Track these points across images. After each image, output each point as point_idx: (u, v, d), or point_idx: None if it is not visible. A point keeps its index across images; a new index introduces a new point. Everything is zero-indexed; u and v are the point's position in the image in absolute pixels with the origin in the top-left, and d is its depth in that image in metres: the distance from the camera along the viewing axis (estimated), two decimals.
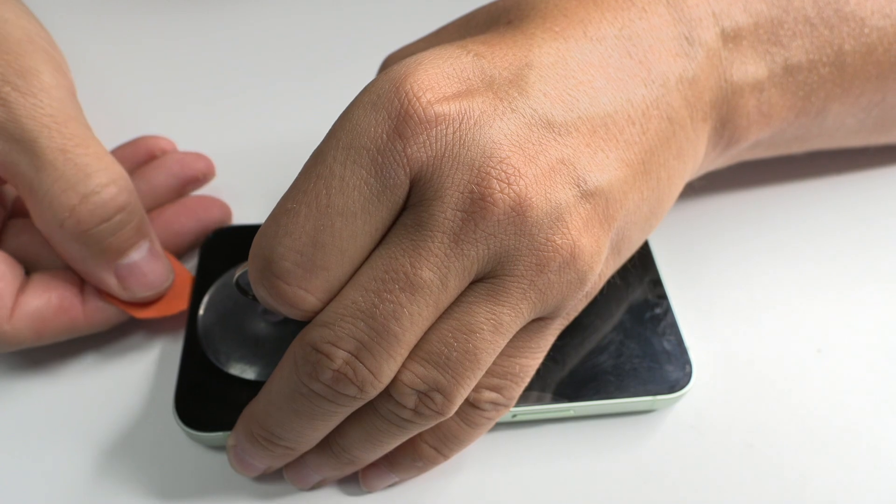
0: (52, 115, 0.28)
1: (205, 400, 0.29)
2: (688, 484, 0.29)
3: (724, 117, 0.29)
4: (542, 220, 0.24)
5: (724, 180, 0.37)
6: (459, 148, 0.23)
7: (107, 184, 0.28)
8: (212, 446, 0.30)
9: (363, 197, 0.23)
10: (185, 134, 0.39)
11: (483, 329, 0.24)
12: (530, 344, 0.27)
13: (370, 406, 0.25)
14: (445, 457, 0.28)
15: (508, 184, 0.23)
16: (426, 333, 0.24)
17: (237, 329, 0.31)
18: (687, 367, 0.30)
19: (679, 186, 0.29)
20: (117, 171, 0.29)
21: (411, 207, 0.24)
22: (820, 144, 0.35)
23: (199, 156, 0.35)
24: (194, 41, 0.45)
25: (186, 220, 0.34)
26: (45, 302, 0.29)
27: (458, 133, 0.23)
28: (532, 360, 0.27)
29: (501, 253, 0.24)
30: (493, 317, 0.24)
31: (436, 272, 0.23)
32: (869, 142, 0.36)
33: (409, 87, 0.23)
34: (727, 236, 0.36)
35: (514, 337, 0.26)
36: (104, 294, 0.30)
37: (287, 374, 0.24)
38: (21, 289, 0.29)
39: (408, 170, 0.23)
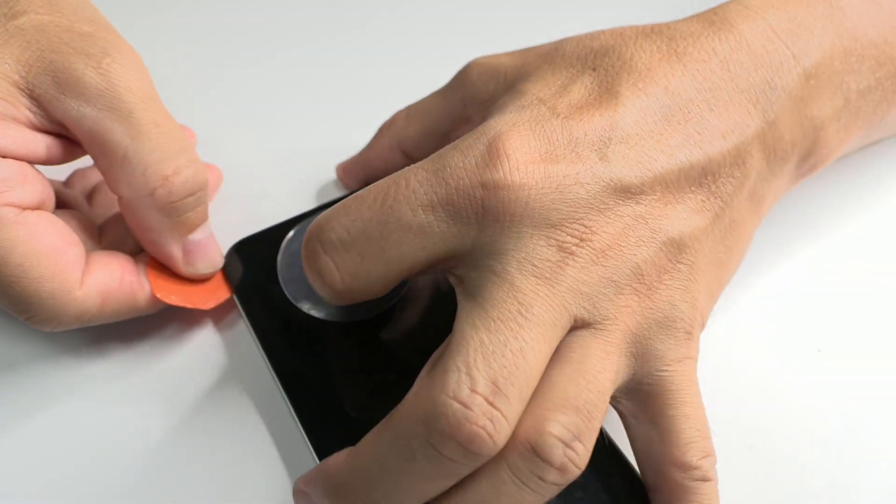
0: (145, 90, 0.29)
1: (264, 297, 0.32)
2: None
3: (806, 151, 0.30)
4: (621, 269, 0.25)
5: None
6: (538, 208, 0.24)
7: (194, 160, 0.30)
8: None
9: (427, 220, 0.25)
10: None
11: (604, 371, 0.24)
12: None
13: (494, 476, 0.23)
14: None
15: (583, 240, 0.25)
16: (548, 381, 0.24)
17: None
18: None
19: (754, 224, 0.30)
20: (195, 152, 0.30)
21: (484, 255, 0.25)
22: (875, 140, 0.36)
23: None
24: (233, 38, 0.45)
25: None
26: (110, 274, 0.29)
27: (538, 195, 0.25)
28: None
29: (590, 296, 0.25)
30: (607, 359, 0.25)
31: (543, 308, 0.24)
32: None
33: (501, 145, 0.25)
34: None
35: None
36: (151, 276, 0.31)
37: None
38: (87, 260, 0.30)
39: (480, 215, 0.24)
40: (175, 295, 0.31)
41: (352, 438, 0.25)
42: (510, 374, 0.22)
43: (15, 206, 0.27)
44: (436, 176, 0.25)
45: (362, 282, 0.25)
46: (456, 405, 0.22)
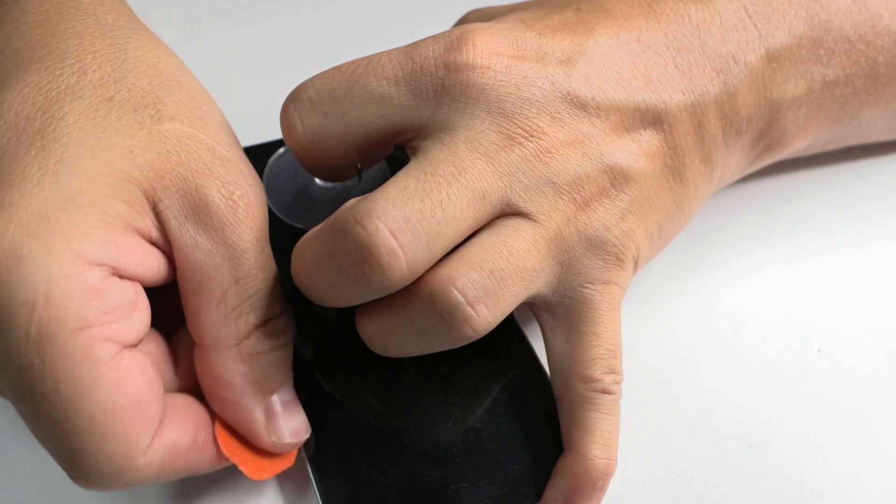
0: (262, 231, 0.27)
1: None
2: (688, 484, 0.29)
3: (761, 131, 0.31)
4: (563, 174, 0.26)
5: None
6: (494, 96, 0.26)
7: (285, 310, 0.27)
8: None
9: (389, 91, 0.26)
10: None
11: (527, 252, 0.26)
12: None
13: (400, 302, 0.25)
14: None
15: (531, 135, 0.26)
16: (469, 245, 0.25)
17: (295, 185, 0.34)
18: None
19: (705, 190, 0.31)
20: (285, 301, 0.28)
21: (437, 129, 0.26)
22: (852, 142, 0.36)
23: None
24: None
25: None
26: (182, 434, 0.25)
27: (496, 84, 0.26)
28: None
29: (525, 187, 0.26)
30: (534, 244, 0.26)
31: (479, 178, 0.25)
32: None
33: (471, 36, 0.27)
34: (724, 233, 0.36)
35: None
36: (221, 440, 0.26)
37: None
38: None
39: (439, 92, 0.26)
40: (246, 459, 0.26)
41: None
42: (423, 218, 0.24)
43: (115, 342, 0.23)
44: (405, 55, 0.27)
45: (322, 139, 0.27)
46: (359, 228, 0.24)
